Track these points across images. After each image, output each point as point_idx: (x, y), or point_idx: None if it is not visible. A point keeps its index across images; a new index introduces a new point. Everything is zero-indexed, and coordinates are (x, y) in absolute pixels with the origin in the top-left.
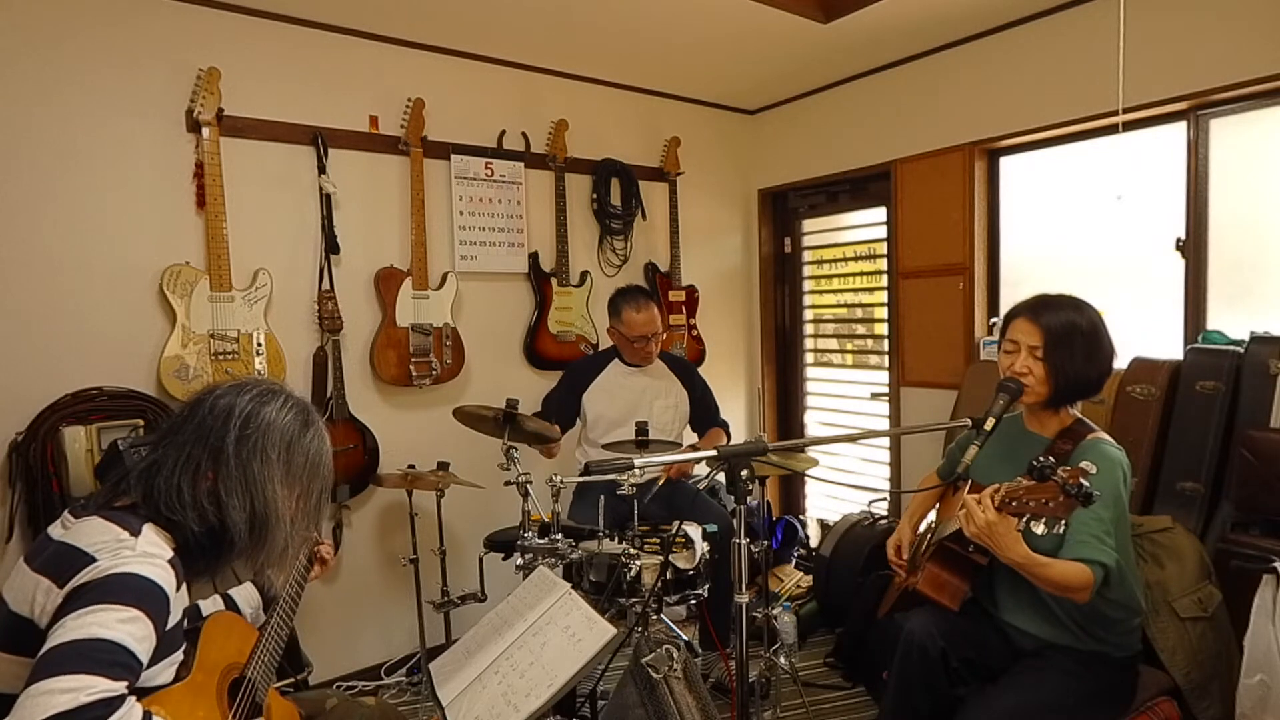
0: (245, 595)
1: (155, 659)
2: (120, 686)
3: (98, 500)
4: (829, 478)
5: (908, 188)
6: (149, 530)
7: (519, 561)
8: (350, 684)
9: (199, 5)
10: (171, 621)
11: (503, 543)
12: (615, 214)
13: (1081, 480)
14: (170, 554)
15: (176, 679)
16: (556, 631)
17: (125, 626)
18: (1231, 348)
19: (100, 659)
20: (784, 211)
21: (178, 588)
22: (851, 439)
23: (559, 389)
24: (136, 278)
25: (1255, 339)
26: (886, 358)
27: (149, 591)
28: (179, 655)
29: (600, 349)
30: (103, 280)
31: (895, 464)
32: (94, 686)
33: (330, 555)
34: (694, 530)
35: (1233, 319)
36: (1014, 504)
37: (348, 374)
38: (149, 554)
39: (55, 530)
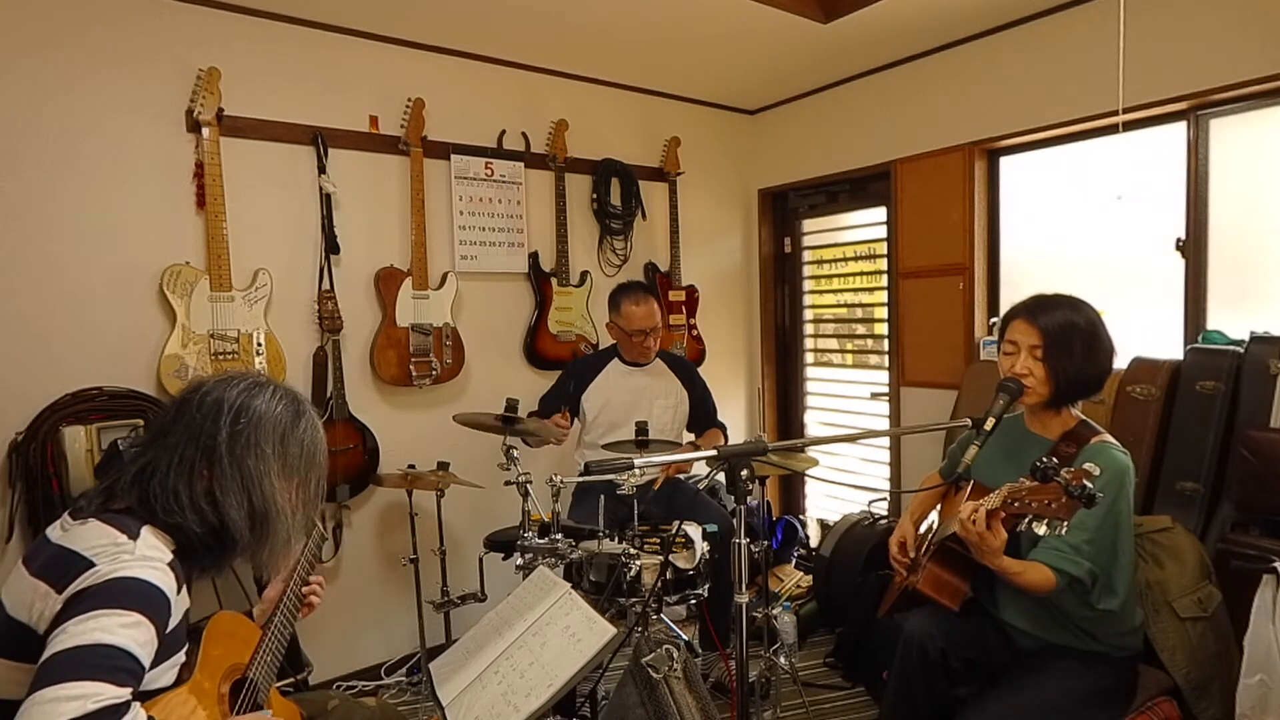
0: None
1: (156, 661)
2: (125, 693)
3: (95, 503)
4: (829, 478)
5: (908, 188)
6: (147, 533)
7: (519, 561)
8: (350, 684)
9: (199, 5)
10: (172, 624)
11: (503, 543)
12: (615, 214)
13: (1085, 482)
14: (170, 556)
15: (178, 681)
16: (556, 631)
17: (128, 631)
18: (1231, 348)
19: (105, 665)
20: (784, 211)
21: (178, 590)
22: (851, 439)
23: (559, 385)
24: (136, 278)
25: (1255, 339)
26: (886, 358)
27: (150, 595)
28: (181, 657)
29: (600, 348)
30: (103, 280)
31: (895, 464)
32: (100, 694)
33: (318, 599)
34: (694, 530)
35: (1233, 319)
36: (1016, 504)
37: (348, 374)
38: (148, 557)
39: (54, 533)
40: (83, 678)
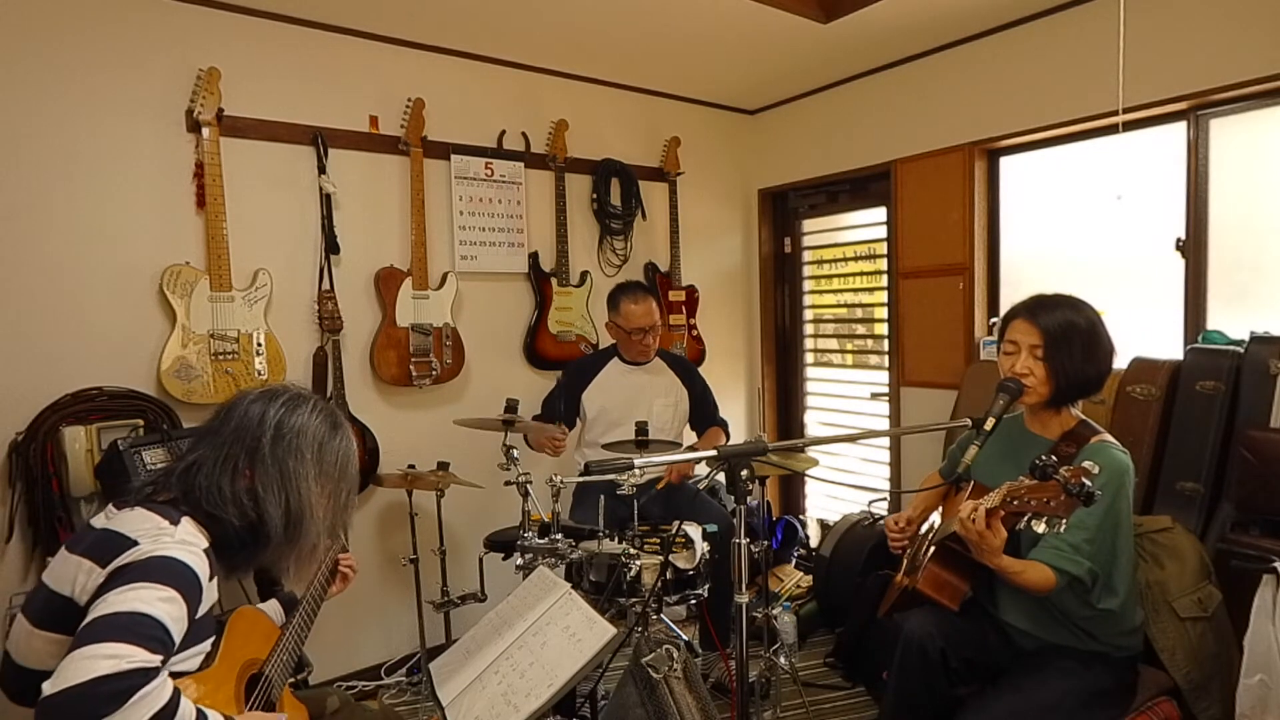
0: (273, 610)
1: (184, 645)
2: (156, 660)
3: (140, 494)
4: (829, 478)
5: (908, 188)
6: (187, 522)
7: (519, 561)
8: (350, 684)
9: (199, 5)
10: (202, 609)
11: (503, 543)
12: (615, 214)
13: (1084, 480)
14: (206, 544)
15: (200, 668)
16: (556, 631)
17: (163, 605)
18: (1231, 348)
19: (140, 632)
20: (784, 211)
21: (210, 577)
22: (851, 439)
23: (558, 389)
24: (136, 278)
25: (1255, 339)
26: (886, 358)
27: (185, 575)
28: (206, 646)
29: (600, 348)
30: (103, 280)
31: (895, 464)
32: (134, 656)
33: (352, 571)
34: (694, 530)
35: (1233, 319)
36: (1015, 503)
37: (348, 374)
38: (186, 542)
39: (98, 519)
40: (120, 640)
